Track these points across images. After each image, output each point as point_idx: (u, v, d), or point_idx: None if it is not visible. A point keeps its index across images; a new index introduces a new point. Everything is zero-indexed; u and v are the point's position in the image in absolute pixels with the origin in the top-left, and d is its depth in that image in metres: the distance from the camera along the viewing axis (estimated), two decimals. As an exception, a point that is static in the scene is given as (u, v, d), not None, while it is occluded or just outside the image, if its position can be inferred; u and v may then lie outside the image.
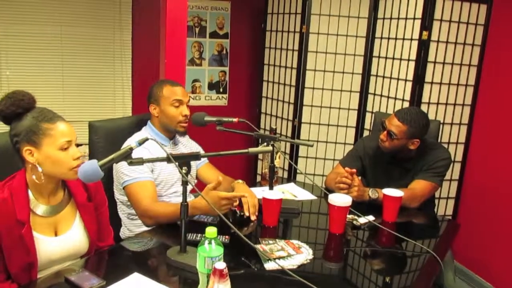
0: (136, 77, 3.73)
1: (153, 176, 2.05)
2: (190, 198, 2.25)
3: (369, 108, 3.36)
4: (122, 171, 1.99)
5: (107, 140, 2.17)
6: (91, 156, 2.17)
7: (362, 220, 1.99)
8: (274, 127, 2.35)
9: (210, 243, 1.31)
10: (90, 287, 1.35)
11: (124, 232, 2.13)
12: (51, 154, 1.47)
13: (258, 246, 1.65)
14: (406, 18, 3.03)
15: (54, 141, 1.47)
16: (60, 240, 1.57)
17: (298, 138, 3.49)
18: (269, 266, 1.54)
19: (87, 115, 3.51)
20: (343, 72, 3.36)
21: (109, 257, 1.70)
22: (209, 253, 1.29)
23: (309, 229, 2.06)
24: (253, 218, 1.96)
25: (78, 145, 1.56)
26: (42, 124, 1.47)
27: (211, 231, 1.31)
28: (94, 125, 2.18)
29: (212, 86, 4.05)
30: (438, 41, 2.99)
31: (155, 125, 2.18)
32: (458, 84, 3.11)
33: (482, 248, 3.15)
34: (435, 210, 2.80)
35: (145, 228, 1.96)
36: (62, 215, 1.59)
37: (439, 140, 2.89)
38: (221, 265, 1.20)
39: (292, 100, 3.53)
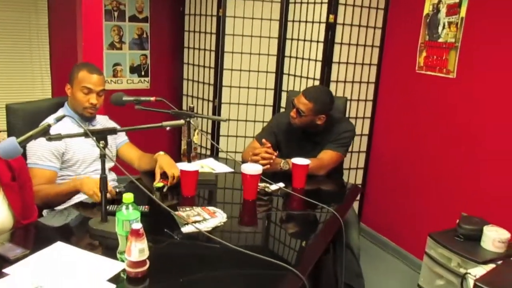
0: (55, 60, 3.69)
1: (63, 159, 2.12)
2: (111, 175, 2.35)
3: (284, 87, 3.57)
4: (29, 150, 2.05)
5: (25, 123, 2.17)
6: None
7: (274, 187, 2.18)
8: (191, 105, 2.48)
9: (127, 208, 1.43)
10: (14, 256, 1.41)
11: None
12: None
13: (176, 213, 1.79)
14: (314, 3, 3.26)
15: None
16: (-16, 217, 1.59)
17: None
18: (186, 229, 1.69)
19: (4, 99, 3.44)
20: (259, 54, 3.54)
21: (33, 230, 1.75)
22: (127, 217, 1.41)
23: (225, 197, 2.23)
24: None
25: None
26: None
27: (128, 197, 1.43)
28: (12, 108, 2.18)
29: (133, 69, 4.08)
30: (343, 24, 3.24)
31: (71, 105, 2.23)
32: (363, 64, 3.39)
33: (386, 211, 3.50)
34: (346, 179, 3.07)
35: (62, 206, 2.02)
36: None
37: (347, 115, 3.16)
38: (137, 225, 1.33)
39: (212, 82, 3.66)
